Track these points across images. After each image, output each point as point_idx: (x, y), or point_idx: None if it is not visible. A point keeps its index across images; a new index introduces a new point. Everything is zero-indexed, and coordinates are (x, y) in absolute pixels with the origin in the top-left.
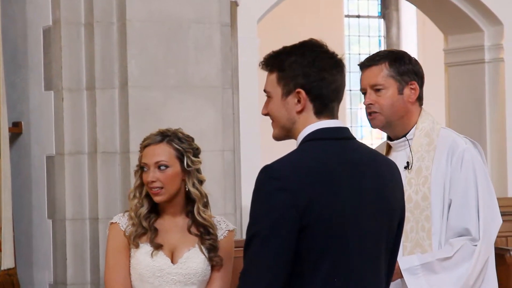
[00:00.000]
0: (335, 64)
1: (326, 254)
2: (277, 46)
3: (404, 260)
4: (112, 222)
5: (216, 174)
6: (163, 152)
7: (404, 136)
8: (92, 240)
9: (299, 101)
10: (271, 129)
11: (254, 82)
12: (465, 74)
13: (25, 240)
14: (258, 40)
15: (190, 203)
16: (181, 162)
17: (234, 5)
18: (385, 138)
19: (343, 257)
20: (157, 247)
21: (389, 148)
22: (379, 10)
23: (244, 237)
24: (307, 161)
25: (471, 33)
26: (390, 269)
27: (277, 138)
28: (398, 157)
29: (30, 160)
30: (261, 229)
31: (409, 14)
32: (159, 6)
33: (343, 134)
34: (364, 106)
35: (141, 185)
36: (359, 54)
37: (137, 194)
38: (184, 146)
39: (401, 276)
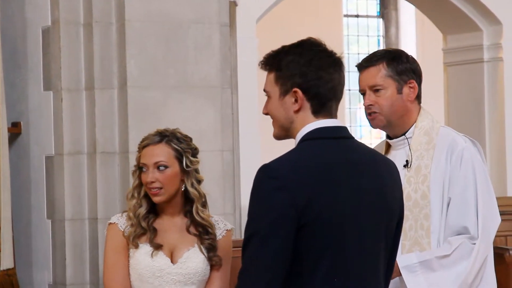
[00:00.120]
0: (333, 63)
1: (325, 253)
2: (276, 46)
3: (402, 258)
4: (110, 223)
5: (216, 174)
6: (162, 153)
7: (403, 134)
8: (91, 240)
9: (296, 100)
10: (270, 128)
11: (253, 82)
12: (464, 74)
13: (24, 240)
14: (257, 40)
15: (189, 203)
16: (180, 162)
17: (233, 5)
18: (384, 138)
19: (342, 256)
20: (157, 247)
21: (388, 146)
22: (378, 10)
23: (243, 236)
24: (305, 160)
25: (470, 33)
26: (389, 269)
27: (277, 137)
28: (398, 156)
29: (29, 160)
30: (260, 228)
31: (408, 14)
32: (158, 6)
33: (342, 133)
34: (364, 107)
35: (140, 185)
36: (358, 53)
37: (136, 195)
38: (182, 146)
39: (400, 274)
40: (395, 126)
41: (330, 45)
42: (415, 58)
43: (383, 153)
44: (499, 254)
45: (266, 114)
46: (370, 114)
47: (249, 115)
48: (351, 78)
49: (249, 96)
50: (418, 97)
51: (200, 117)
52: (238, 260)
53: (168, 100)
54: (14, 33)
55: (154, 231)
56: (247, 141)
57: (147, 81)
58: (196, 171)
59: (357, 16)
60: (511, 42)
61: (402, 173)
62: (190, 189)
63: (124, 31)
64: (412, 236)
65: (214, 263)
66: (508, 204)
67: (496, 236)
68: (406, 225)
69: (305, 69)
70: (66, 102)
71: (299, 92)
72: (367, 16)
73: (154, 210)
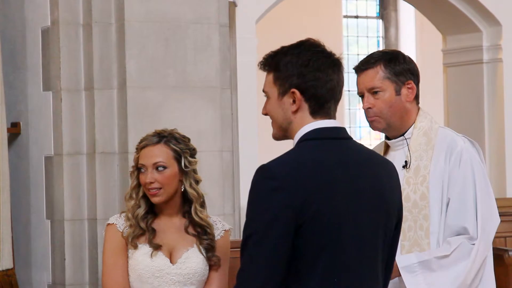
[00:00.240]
0: (331, 64)
1: (323, 252)
2: (275, 47)
3: (402, 258)
4: (109, 223)
5: (215, 174)
6: (161, 153)
7: (402, 135)
8: (90, 240)
9: (294, 101)
10: (269, 129)
11: (252, 83)
12: (464, 75)
13: (23, 240)
14: (256, 40)
15: (187, 203)
16: (179, 162)
17: (232, 5)
18: (383, 139)
19: (340, 256)
20: (156, 247)
21: (387, 147)
22: (378, 11)
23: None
24: (303, 161)
25: (469, 34)
26: (388, 269)
27: (276, 138)
28: (397, 156)
29: (28, 161)
30: (257, 229)
31: (407, 15)
32: (157, 7)
33: (340, 134)
34: (363, 109)
35: (138, 186)
36: (358, 54)
37: (134, 195)
38: (181, 147)
39: (399, 274)
40: (395, 128)
41: (330, 46)
42: (415, 59)
43: (382, 154)
44: (498, 255)
45: (265, 114)
46: (370, 117)
47: (248, 115)
48: (351, 79)
49: (248, 97)
50: (417, 98)
51: (200, 117)
52: (237, 261)
53: (168, 101)
54: (14, 34)
55: (153, 231)
56: (246, 141)
57: (146, 82)
58: (194, 171)
59: (356, 17)
60: (511, 43)
61: (401, 173)
62: (188, 189)
63: (123, 31)
64: (411, 236)
65: (213, 263)
66: (507, 205)
67: (495, 237)
68: (405, 225)
69: (303, 70)
70: (65, 103)
71: (297, 92)
72: (367, 17)
73: (153, 211)
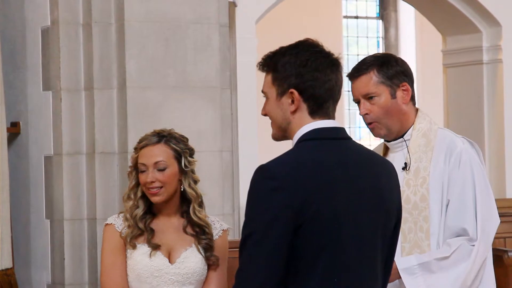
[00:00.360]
0: (330, 64)
1: (322, 252)
2: (275, 47)
3: (402, 260)
4: (107, 223)
5: (215, 174)
6: (162, 153)
7: (401, 137)
8: (90, 240)
9: (293, 101)
10: (269, 129)
11: (252, 83)
12: (464, 75)
13: (23, 240)
14: (256, 40)
15: (185, 203)
16: (179, 162)
17: (232, 5)
18: (382, 140)
19: (339, 255)
20: (155, 247)
21: (386, 149)
22: (378, 11)
23: None
24: (303, 161)
25: (469, 34)
26: (387, 269)
27: (275, 138)
28: (396, 158)
29: (28, 160)
30: (256, 229)
31: (407, 15)
32: (157, 6)
33: (339, 134)
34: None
35: (136, 186)
36: (358, 55)
37: (132, 196)
38: (181, 147)
39: (399, 277)
40: (394, 131)
41: (330, 46)
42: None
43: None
44: (498, 256)
45: (265, 115)
46: (370, 123)
47: (248, 116)
48: None
49: (248, 97)
50: (413, 99)
51: (199, 117)
52: (236, 261)
53: (167, 101)
54: (14, 33)
55: (152, 231)
56: (246, 141)
57: (146, 82)
58: (192, 171)
59: (356, 17)
60: (510, 43)
61: (401, 175)
62: (187, 189)
63: (123, 31)
64: (411, 238)
65: (211, 263)
66: (507, 206)
67: (495, 238)
68: (405, 227)
69: (302, 70)
70: (65, 102)
71: (296, 93)
72: (367, 18)
73: (151, 211)
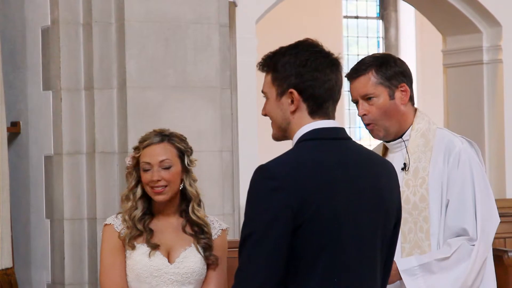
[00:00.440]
0: (329, 64)
1: (322, 252)
2: (275, 47)
3: (402, 262)
4: (106, 224)
5: (215, 174)
6: (166, 152)
7: (400, 137)
8: (90, 240)
9: (292, 101)
10: (269, 129)
11: (252, 83)
12: (464, 75)
13: (23, 239)
14: (256, 40)
15: (184, 202)
16: (182, 161)
17: (232, 5)
18: (381, 141)
19: (339, 255)
20: (154, 247)
21: (385, 149)
22: (378, 11)
23: None
24: (303, 161)
25: (469, 34)
26: (387, 270)
27: (276, 138)
28: (395, 158)
29: (28, 160)
30: (256, 229)
31: (407, 15)
32: (157, 6)
33: (339, 135)
34: (359, 117)
35: (136, 186)
36: (358, 55)
37: (131, 197)
38: (184, 145)
39: (400, 278)
40: (393, 132)
41: (330, 46)
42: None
43: None
44: (498, 256)
45: (265, 115)
46: (368, 124)
47: (248, 116)
48: None
49: (248, 97)
50: (411, 99)
51: (199, 117)
52: (236, 261)
53: (167, 101)
54: (14, 33)
55: (151, 232)
56: (246, 141)
57: (146, 81)
58: (191, 170)
59: (356, 17)
60: (511, 44)
61: (400, 176)
62: (188, 188)
63: (123, 31)
64: (412, 238)
65: (210, 262)
66: (507, 206)
67: (495, 238)
68: (405, 228)
69: (301, 70)
70: (65, 102)
71: (295, 93)
72: (367, 18)
73: (150, 212)
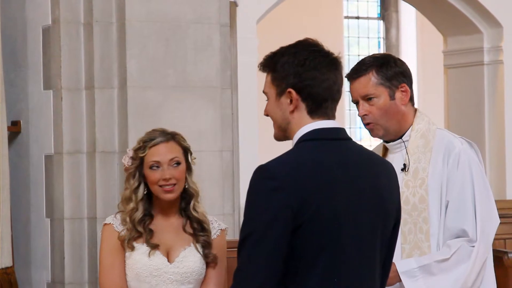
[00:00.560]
0: (329, 63)
1: (321, 253)
2: (276, 47)
3: (402, 263)
4: (105, 223)
5: (215, 174)
6: (175, 150)
7: (400, 137)
8: (90, 239)
9: (291, 101)
10: (270, 129)
11: (253, 83)
12: (465, 76)
13: (23, 239)
14: (257, 40)
15: (183, 200)
16: (186, 159)
17: (233, 5)
18: (381, 141)
19: (338, 255)
20: (154, 247)
21: (385, 150)
22: (379, 12)
23: None
24: (302, 161)
25: (470, 35)
26: (386, 270)
27: (277, 138)
28: (395, 159)
29: (28, 159)
30: (255, 229)
31: (408, 16)
32: (158, 6)
33: (339, 135)
34: (359, 117)
35: (138, 187)
36: (358, 55)
37: (133, 198)
38: (187, 144)
39: (400, 280)
40: (393, 132)
41: (330, 47)
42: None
43: None
44: (498, 257)
45: (267, 115)
46: (368, 124)
47: (248, 116)
48: None
49: (249, 97)
50: (411, 99)
51: (200, 117)
52: (234, 261)
53: (168, 100)
54: (15, 32)
55: (150, 232)
56: (246, 141)
57: (147, 81)
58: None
59: (357, 17)
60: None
61: (400, 176)
62: (191, 185)
63: (124, 30)
64: (411, 239)
65: (209, 260)
66: (507, 207)
67: (494, 239)
68: (405, 228)
69: (299, 69)
70: (66, 101)
71: (293, 92)
72: (368, 18)
73: (149, 212)
